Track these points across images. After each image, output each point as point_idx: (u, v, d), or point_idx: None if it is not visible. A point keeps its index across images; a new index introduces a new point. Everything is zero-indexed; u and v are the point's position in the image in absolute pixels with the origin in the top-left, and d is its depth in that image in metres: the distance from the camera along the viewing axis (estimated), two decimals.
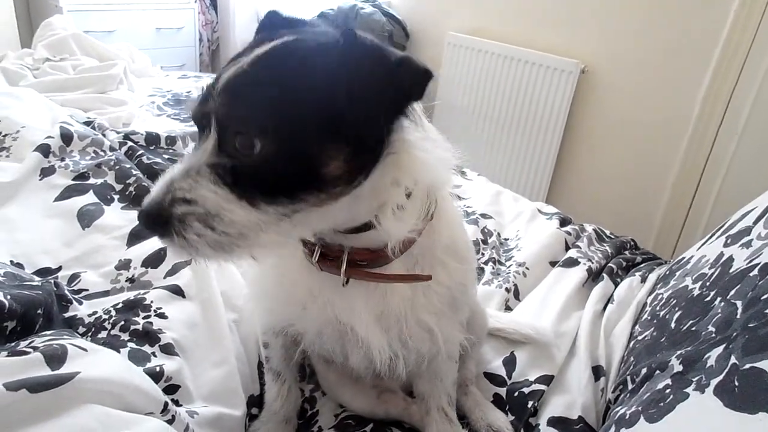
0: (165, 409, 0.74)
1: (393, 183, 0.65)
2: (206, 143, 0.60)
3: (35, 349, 0.68)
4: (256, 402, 0.99)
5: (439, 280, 0.76)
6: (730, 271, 0.89)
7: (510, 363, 1.10)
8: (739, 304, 0.78)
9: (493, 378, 1.07)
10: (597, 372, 1.05)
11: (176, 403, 0.86)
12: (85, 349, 0.72)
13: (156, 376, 0.86)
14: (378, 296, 0.75)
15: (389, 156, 0.63)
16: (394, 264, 0.73)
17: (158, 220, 0.59)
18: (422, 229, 0.72)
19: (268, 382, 0.95)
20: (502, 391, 1.04)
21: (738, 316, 0.76)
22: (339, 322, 0.76)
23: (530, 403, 0.99)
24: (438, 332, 0.78)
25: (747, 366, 0.65)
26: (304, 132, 0.57)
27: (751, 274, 0.81)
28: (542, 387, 1.02)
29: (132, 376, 0.73)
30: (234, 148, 0.58)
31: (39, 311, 0.87)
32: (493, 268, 1.42)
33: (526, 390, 1.02)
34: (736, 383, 0.64)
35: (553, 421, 0.96)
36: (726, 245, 0.99)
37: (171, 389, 0.88)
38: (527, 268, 1.39)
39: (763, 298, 0.74)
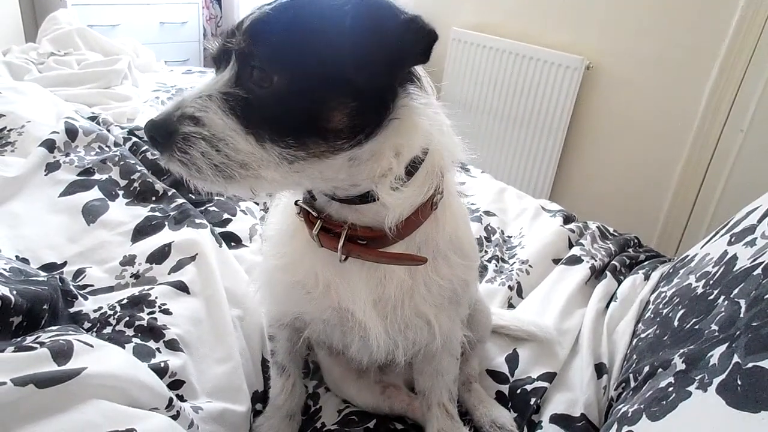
0: (170, 404, 0.75)
1: (394, 151, 0.67)
2: (223, 74, 0.64)
3: (42, 344, 0.69)
4: (260, 398, 1.00)
5: (441, 273, 0.77)
6: (734, 269, 0.89)
7: (513, 360, 1.10)
8: (742, 302, 0.78)
9: (495, 375, 1.08)
10: (600, 370, 1.06)
11: (181, 398, 0.87)
12: (91, 345, 0.72)
13: (161, 371, 0.87)
14: (376, 280, 0.75)
15: (393, 122, 0.65)
16: (395, 247, 0.73)
17: (162, 132, 0.61)
18: (426, 216, 0.73)
19: (273, 377, 0.96)
20: (505, 388, 1.04)
21: (741, 315, 0.76)
22: (340, 307, 0.76)
23: (533, 401, 0.99)
24: (436, 325, 0.78)
25: (750, 365, 0.65)
26: (315, 75, 0.61)
27: (754, 273, 0.81)
28: (545, 384, 1.02)
29: (137, 371, 0.73)
30: (251, 82, 0.62)
31: (45, 306, 0.87)
32: (497, 266, 1.42)
33: (528, 387, 1.02)
34: (739, 382, 0.64)
35: (555, 418, 0.96)
36: (730, 243, 0.99)
37: (175, 385, 0.88)
38: (530, 266, 1.39)
39: (766, 297, 0.74)
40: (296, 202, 0.75)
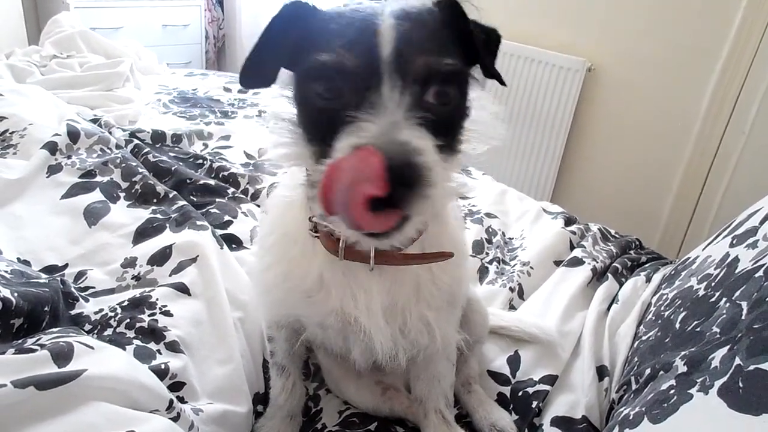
0: (170, 406, 0.75)
1: None
2: (390, 100, 0.55)
3: (42, 346, 0.69)
4: (261, 399, 1.00)
5: (445, 271, 0.77)
6: (736, 271, 0.89)
7: (514, 362, 1.10)
8: (744, 305, 0.78)
9: (497, 377, 1.07)
10: (601, 372, 1.05)
11: (181, 400, 0.87)
12: (91, 347, 0.73)
13: (161, 373, 0.87)
14: (388, 285, 0.75)
15: None
16: (410, 249, 0.73)
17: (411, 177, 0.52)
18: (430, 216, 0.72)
19: (273, 377, 0.96)
20: (506, 390, 1.04)
21: (743, 317, 0.75)
22: (344, 312, 0.76)
23: (534, 404, 0.99)
24: (436, 328, 0.78)
25: (751, 367, 0.65)
26: (466, 83, 0.63)
27: (756, 275, 0.81)
28: (547, 387, 1.02)
29: (137, 373, 0.74)
30: (427, 102, 0.58)
31: (46, 309, 0.87)
32: (498, 268, 1.42)
33: (530, 390, 1.02)
34: (741, 384, 0.64)
35: (556, 421, 0.96)
36: (732, 245, 0.99)
37: (176, 386, 0.88)
38: (531, 268, 1.39)
39: None
40: (310, 218, 0.73)
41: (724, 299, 0.85)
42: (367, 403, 0.99)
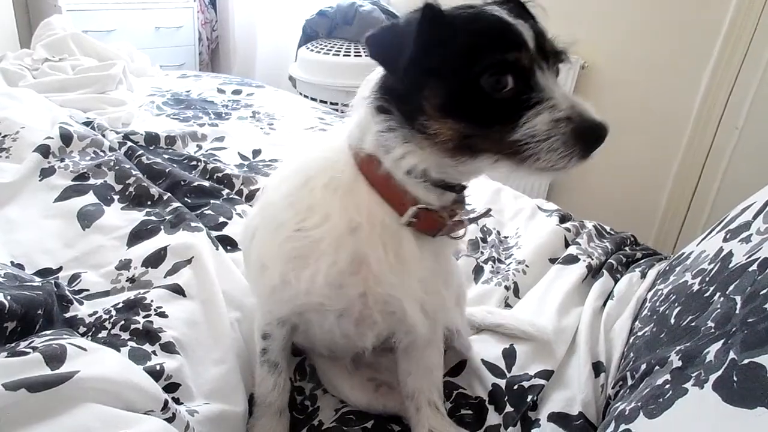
0: (165, 407, 0.75)
1: None
2: (550, 81, 0.69)
3: (35, 349, 0.69)
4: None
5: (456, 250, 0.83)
6: (730, 266, 0.89)
7: (510, 355, 1.10)
8: (738, 299, 0.78)
9: (493, 369, 1.07)
10: (597, 368, 1.05)
11: (177, 401, 0.86)
12: (84, 349, 0.72)
13: (156, 374, 0.86)
14: (434, 256, 0.79)
15: None
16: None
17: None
18: None
19: (261, 375, 0.94)
20: (502, 383, 1.03)
21: (737, 312, 0.76)
22: (376, 292, 0.76)
23: (529, 398, 0.99)
24: (449, 306, 0.84)
25: (746, 361, 0.65)
26: None
27: (750, 269, 0.81)
28: (542, 381, 1.02)
29: (131, 374, 0.73)
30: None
31: (39, 312, 0.87)
32: (493, 267, 1.42)
33: (525, 384, 1.02)
34: (735, 378, 0.64)
35: (553, 417, 0.96)
36: (725, 240, 0.99)
37: (171, 387, 0.88)
38: (527, 266, 1.39)
39: (762, 293, 0.74)
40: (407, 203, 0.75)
41: (719, 294, 0.85)
42: (360, 400, 0.99)
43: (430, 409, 0.91)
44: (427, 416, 0.91)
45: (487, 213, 0.87)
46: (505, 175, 0.74)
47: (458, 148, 0.69)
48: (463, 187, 0.79)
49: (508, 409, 0.98)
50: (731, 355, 0.68)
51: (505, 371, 1.06)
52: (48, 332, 0.83)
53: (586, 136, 0.66)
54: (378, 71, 0.76)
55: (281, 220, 0.78)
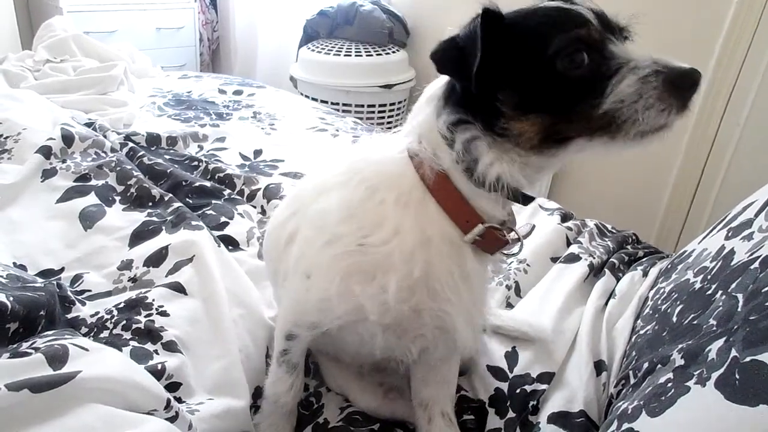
0: (168, 406, 0.75)
1: None
2: (622, 49, 0.69)
3: (37, 349, 0.69)
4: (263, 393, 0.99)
5: None
6: (732, 264, 0.89)
7: (512, 357, 1.10)
8: (740, 296, 0.78)
9: (495, 372, 1.07)
10: (599, 367, 1.05)
11: (179, 400, 0.86)
12: (86, 349, 0.72)
13: (158, 373, 0.86)
14: (481, 278, 0.80)
15: None
16: None
17: None
18: None
19: (279, 375, 0.91)
20: (504, 386, 1.03)
21: (739, 309, 0.76)
22: (436, 309, 0.76)
23: (531, 403, 0.99)
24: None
25: (748, 359, 0.65)
26: None
27: (752, 267, 0.81)
28: (544, 386, 1.02)
29: (133, 373, 0.73)
30: None
31: (42, 312, 0.87)
32: (494, 266, 1.41)
33: (528, 388, 1.02)
34: (737, 376, 0.64)
35: (553, 417, 0.95)
36: (727, 238, 0.99)
37: (173, 387, 0.88)
38: (528, 265, 1.39)
39: (764, 290, 0.74)
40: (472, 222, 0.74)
41: (720, 291, 0.85)
42: (370, 404, 0.97)
43: (443, 421, 0.90)
44: (440, 427, 0.90)
45: (533, 230, 0.86)
46: (599, 155, 0.71)
47: (545, 141, 0.68)
48: (530, 199, 0.77)
49: (510, 414, 0.97)
50: (733, 352, 0.68)
51: (508, 373, 1.06)
52: (50, 333, 0.83)
53: (680, 83, 0.64)
54: (437, 82, 0.76)
55: (338, 233, 0.75)
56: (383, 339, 0.80)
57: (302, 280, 0.81)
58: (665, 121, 0.65)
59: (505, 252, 0.80)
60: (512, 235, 0.78)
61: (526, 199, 0.75)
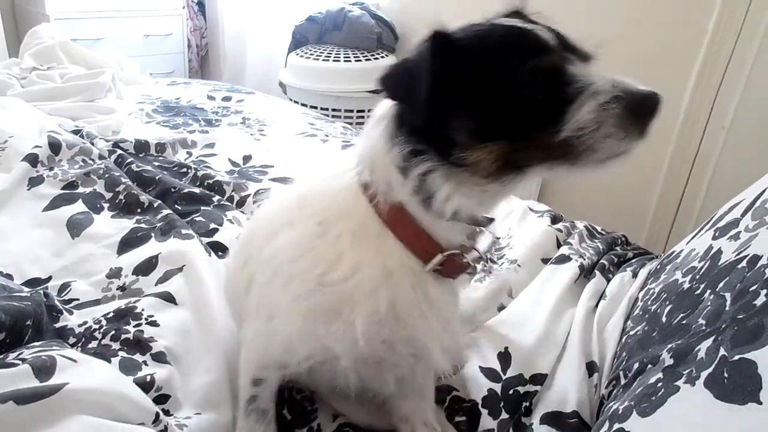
0: (156, 419, 0.74)
1: None
2: (583, 71, 0.66)
3: (24, 361, 0.68)
4: None
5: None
6: (719, 263, 0.89)
7: (505, 358, 1.09)
8: (727, 296, 0.79)
9: (488, 372, 1.07)
10: (591, 368, 1.05)
11: (167, 413, 0.85)
12: (74, 360, 0.72)
13: (146, 386, 0.85)
14: (454, 297, 0.79)
15: None
16: None
17: None
18: None
19: (248, 427, 0.85)
20: (497, 387, 1.03)
21: (727, 308, 0.76)
22: (403, 337, 0.74)
23: (524, 404, 0.99)
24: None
25: (736, 357, 0.65)
26: None
27: (739, 267, 0.82)
28: (536, 388, 1.02)
29: (122, 386, 0.73)
30: None
31: (28, 322, 0.86)
32: (485, 266, 1.42)
33: (521, 389, 1.02)
34: (726, 375, 0.64)
35: (546, 418, 0.96)
36: (715, 238, 1.00)
37: (162, 399, 0.87)
38: (519, 266, 1.39)
39: (751, 289, 0.74)
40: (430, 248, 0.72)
41: (709, 291, 0.85)
42: (362, 418, 0.95)
43: (426, 429, 0.90)
44: None
45: (495, 243, 0.86)
46: (559, 179, 0.72)
47: (503, 169, 0.65)
48: (491, 220, 0.75)
49: (504, 415, 0.98)
50: (722, 351, 0.68)
51: (501, 374, 1.06)
52: (37, 343, 0.82)
53: (640, 110, 0.64)
54: (384, 105, 0.71)
55: (294, 273, 0.72)
56: (356, 374, 0.78)
57: (265, 323, 0.78)
58: (625, 147, 0.65)
59: (469, 272, 0.79)
60: (473, 254, 0.76)
61: (488, 221, 0.74)
